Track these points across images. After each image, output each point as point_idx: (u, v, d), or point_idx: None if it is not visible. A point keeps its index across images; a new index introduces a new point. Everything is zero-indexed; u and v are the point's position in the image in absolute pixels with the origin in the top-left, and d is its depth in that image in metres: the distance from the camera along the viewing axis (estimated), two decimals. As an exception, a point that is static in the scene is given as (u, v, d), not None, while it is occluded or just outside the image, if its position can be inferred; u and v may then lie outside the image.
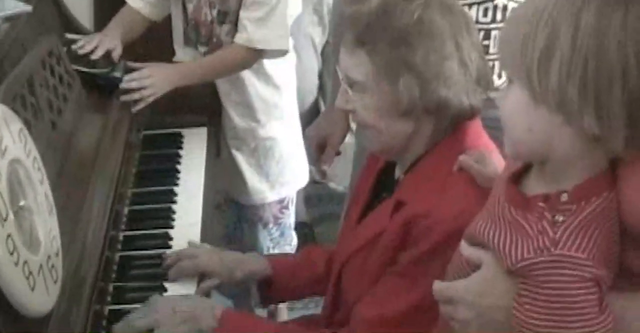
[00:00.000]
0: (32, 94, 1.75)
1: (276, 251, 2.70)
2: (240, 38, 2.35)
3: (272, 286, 1.88)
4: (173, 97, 2.30)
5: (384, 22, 1.52)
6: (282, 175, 2.61)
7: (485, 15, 2.04)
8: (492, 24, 2.05)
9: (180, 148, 2.38)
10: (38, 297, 1.38)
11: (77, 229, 1.65)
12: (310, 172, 2.78)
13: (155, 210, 2.08)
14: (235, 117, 2.51)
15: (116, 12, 2.47)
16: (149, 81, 2.24)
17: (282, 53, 2.43)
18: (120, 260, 1.86)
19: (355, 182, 2.02)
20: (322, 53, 3.48)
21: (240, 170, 2.56)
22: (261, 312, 2.78)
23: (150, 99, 2.24)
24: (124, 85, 2.22)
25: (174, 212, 2.07)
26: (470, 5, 1.99)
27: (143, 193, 2.13)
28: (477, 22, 1.97)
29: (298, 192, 2.78)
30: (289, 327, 1.89)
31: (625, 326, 1.21)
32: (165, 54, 2.55)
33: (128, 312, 1.69)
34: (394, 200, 1.58)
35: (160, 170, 2.26)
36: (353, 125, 1.66)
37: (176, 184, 2.19)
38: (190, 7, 2.42)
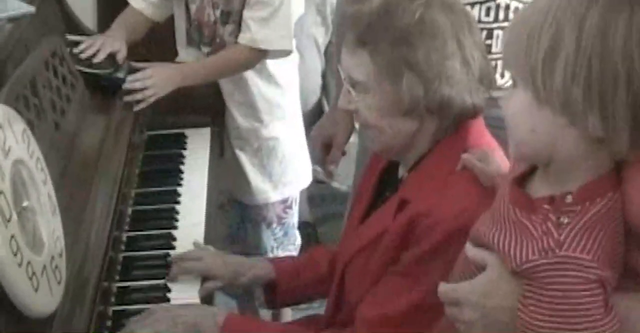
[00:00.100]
0: (35, 95, 1.76)
1: (280, 251, 2.70)
2: (243, 38, 2.35)
3: (277, 289, 1.88)
4: (176, 97, 2.30)
5: (386, 21, 1.52)
6: (285, 175, 2.61)
7: (487, 14, 2.03)
8: (495, 24, 2.04)
9: (184, 148, 2.38)
10: (41, 298, 1.38)
11: (80, 230, 1.65)
12: (314, 171, 2.78)
13: (158, 210, 2.08)
14: (238, 117, 2.51)
15: (119, 12, 2.47)
16: (151, 81, 2.25)
17: (286, 53, 2.43)
18: (124, 260, 1.86)
19: (358, 182, 2.02)
20: (325, 53, 3.48)
21: (243, 170, 2.56)
22: (265, 313, 2.78)
23: (152, 99, 2.24)
24: (127, 85, 2.22)
25: (177, 213, 2.07)
26: (472, 4, 1.99)
27: (146, 194, 2.13)
28: (480, 21, 1.97)
29: (301, 192, 2.78)
30: (292, 329, 1.89)
31: (630, 327, 1.21)
32: (167, 55, 2.55)
33: (132, 312, 1.70)
34: (398, 199, 1.58)
35: (163, 170, 2.26)
36: (357, 125, 1.65)
37: (179, 184, 2.19)
38: (193, 7, 2.42)
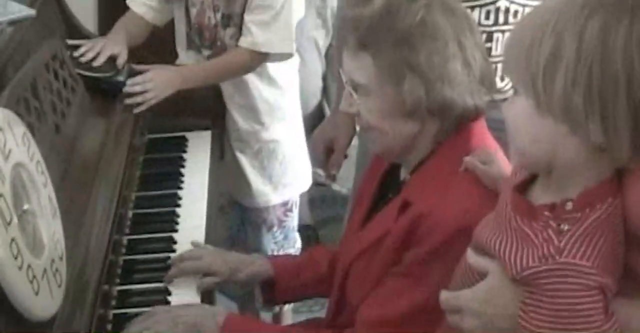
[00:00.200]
0: (35, 98, 1.76)
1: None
2: (244, 41, 2.35)
3: (275, 287, 1.88)
4: (176, 100, 2.30)
5: (387, 24, 1.52)
6: (285, 177, 2.61)
7: (487, 17, 2.04)
8: (494, 27, 2.04)
9: (184, 151, 2.38)
10: (42, 301, 1.38)
11: (80, 233, 1.65)
12: (314, 174, 2.78)
13: (159, 213, 2.08)
14: (239, 119, 2.51)
15: (120, 16, 2.47)
16: (152, 84, 2.25)
17: (287, 56, 2.44)
18: (124, 263, 1.86)
19: (358, 184, 2.02)
20: (326, 56, 3.48)
21: (244, 172, 2.57)
22: (266, 315, 2.78)
23: (153, 102, 2.25)
24: (127, 89, 2.23)
25: (178, 216, 2.07)
26: (472, 7, 1.99)
27: (147, 197, 2.13)
28: (480, 24, 1.97)
29: (302, 195, 2.78)
30: (293, 330, 1.89)
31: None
32: (168, 58, 2.55)
33: (132, 315, 1.70)
34: (400, 200, 1.58)
35: (164, 173, 2.26)
36: (358, 128, 1.66)
37: (180, 188, 2.19)
38: (193, 11, 2.42)
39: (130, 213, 2.02)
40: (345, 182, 3.22)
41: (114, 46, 2.29)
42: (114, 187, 1.89)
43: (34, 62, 1.84)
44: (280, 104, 2.54)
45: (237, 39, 2.37)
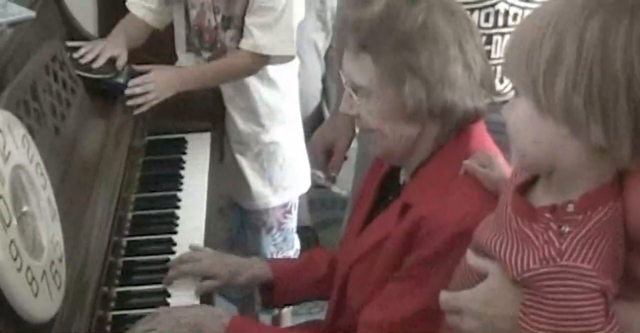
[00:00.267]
0: (35, 100, 1.76)
1: (279, 256, 2.70)
2: (245, 44, 2.35)
3: (274, 289, 1.88)
4: (176, 102, 2.30)
5: (388, 26, 1.52)
6: (285, 179, 2.61)
7: (486, 20, 2.04)
8: (494, 29, 2.05)
9: (184, 153, 2.38)
10: (41, 303, 1.38)
11: (80, 235, 1.65)
12: (314, 176, 2.78)
13: (158, 215, 2.08)
14: (239, 122, 2.51)
15: (120, 17, 2.47)
16: (153, 85, 2.25)
17: (289, 58, 2.44)
18: (124, 265, 1.86)
19: (357, 187, 2.02)
20: (326, 58, 3.49)
21: (243, 174, 2.57)
22: (265, 318, 2.78)
23: (154, 103, 2.25)
24: (128, 91, 2.23)
25: (177, 217, 2.07)
26: (471, 10, 1.99)
27: (146, 199, 2.13)
28: (479, 27, 1.97)
29: (301, 197, 2.78)
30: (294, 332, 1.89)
31: None
32: (167, 60, 2.56)
33: (131, 317, 1.70)
34: (401, 203, 1.58)
35: (163, 175, 2.26)
36: (358, 130, 1.66)
37: (180, 189, 2.19)
38: (193, 13, 2.42)
39: (129, 215, 2.02)
40: (344, 184, 3.22)
41: (113, 48, 2.30)
42: (114, 188, 1.89)
43: (33, 63, 1.84)
44: (280, 106, 2.54)
45: (238, 41, 2.37)
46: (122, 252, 1.89)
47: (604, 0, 1.15)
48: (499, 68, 2.04)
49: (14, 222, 1.36)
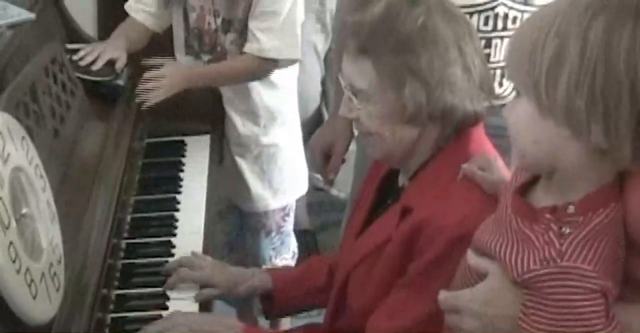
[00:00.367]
0: (34, 102, 1.76)
1: (277, 260, 2.70)
2: (250, 48, 2.34)
3: (274, 299, 1.88)
4: (176, 104, 2.30)
5: (388, 29, 1.52)
6: (284, 182, 2.61)
7: (486, 23, 2.04)
8: (493, 33, 2.05)
9: (183, 156, 2.38)
10: (40, 305, 1.38)
11: (79, 237, 1.65)
12: (313, 179, 2.78)
13: (157, 217, 2.08)
14: (239, 124, 2.51)
15: (120, 20, 2.47)
16: (165, 82, 2.26)
17: (293, 62, 2.44)
18: (123, 267, 1.86)
19: (356, 189, 2.02)
20: (325, 60, 3.49)
21: (243, 177, 2.56)
22: (264, 321, 2.78)
23: (161, 98, 2.25)
24: (140, 85, 2.23)
25: (176, 220, 2.07)
26: (471, 13, 1.99)
27: (146, 201, 2.13)
28: (478, 30, 1.97)
29: (300, 199, 2.78)
30: None
31: None
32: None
33: (130, 320, 1.70)
34: (401, 207, 1.58)
35: (163, 177, 2.26)
36: (357, 132, 1.66)
37: (179, 192, 2.19)
38: (193, 15, 2.42)
39: (128, 217, 2.02)
40: (343, 186, 3.22)
41: (113, 50, 2.30)
42: (113, 190, 1.88)
43: (33, 65, 1.84)
44: (280, 108, 2.54)
45: (238, 45, 2.37)
46: (121, 254, 1.89)
47: (608, 2, 1.15)
48: (498, 71, 2.04)
49: (13, 224, 1.36)
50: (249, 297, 1.94)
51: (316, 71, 3.45)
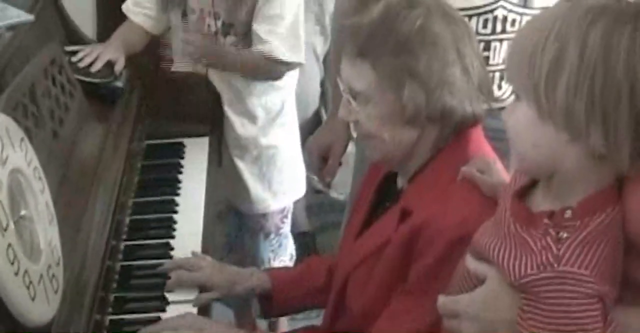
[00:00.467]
0: (33, 103, 1.76)
1: (275, 262, 2.70)
2: (257, 50, 2.36)
3: (273, 299, 1.88)
4: (175, 106, 2.31)
5: (386, 30, 1.53)
6: (284, 183, 2.61)
7: (485, 26, 2.04)
8: (492, 35, 2.05)
9: (182, 158, 2.38)
10: (38, 307, 1.37)
11: (78, 238, 1.65)
12: (312, 181, 2.78)
13: (156, 219, 2.07)
14: (238, 126, 2.52)
15: (119, 21, 2.48)
16: (203, 50, 2.37)
17: (298, 65, 2.44)
18: (121, 269, 1.86)
19: (356, 191, 2.02)
20: (324, 62, 3.49)
21: (242, 179, 2.57)
22: (262, 323, 2.78)
23: (189, 67, 2.37)
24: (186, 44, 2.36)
25: (175, 222, 2.06)
26: (470, 16, 1.99)
27: (144, 203, 2.13)
28: (477, 33, 1.97)
29: (299, 201, 2.78)
30: None
31: None
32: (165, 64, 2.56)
33: (129, 322, 1.70)
34: (400, 209, 1.58)
35: (161, 179, 2.26)
36: (354, 134, 1.66)
37: (177, 194, 2.19)
38: (192, 17, 2.42)
39: (127, 219, 2.02)
40: (342, 188, 3.22)
41: (111, 52, 2.30)
42: (112, 192, 1.88)
43: (32, 67, 1.84)
44: (279, 109, 2.55)
45: (237, 47, 2.37)
46: (120, 256, 1.89)
47: (608, 6, 1.15)
48: (497, 74, 2.05)
49: (12, 225, 1.36)
50: (248, 297, 1.94)
51: (315, 73, 3.45)
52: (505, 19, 2.04)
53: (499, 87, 2.06)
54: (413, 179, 1.62)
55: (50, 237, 1.49)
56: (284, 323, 2.83)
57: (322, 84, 3.52)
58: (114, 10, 2.56)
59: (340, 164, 2.34)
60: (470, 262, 1.33)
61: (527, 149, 1.23)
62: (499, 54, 2.05)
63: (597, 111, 1.14)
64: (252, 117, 2.51)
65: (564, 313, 1.18)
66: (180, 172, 2.30)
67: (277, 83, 2.50)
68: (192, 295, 1.81)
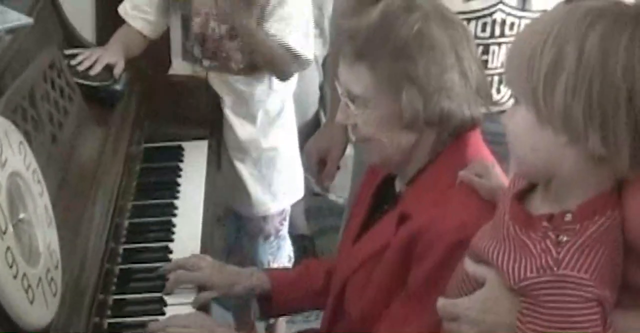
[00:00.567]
0: (33, 107, 1.76)
1: (275, 264, 2.70)
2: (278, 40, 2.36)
3: (272, 300, 1.88)
4: (174, 109, 2.31)
5: (384, 34, 1.53)
6: (283, 185, 2.61)
7: (483, 30, 2.04)
8: (491, 39, 2.05)
9: (181, 161, 2.38)
10: (37, 310, 1.37)
11: (77, 242, 1.65)
12: (311, 184, 2.78)
13: (155, 223, 2.07)
14: (238, 128, 2.51)
15: (118, 24, 2.48)
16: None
17: (307, 64, 2.46)
18: (120, 273, 1.86)
19: (354, 195, 2.02)
20: (323, 65, 3.49)
21: (243, 182, 2.57)
22: (260, 326, 2.78)
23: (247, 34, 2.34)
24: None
25: (174, 225, 2.06)
26: (468, 20, 1.99)
27: (143, 206, 2.13)
28: (476, 37, 1.97)
29: (298, 205, 2.78)
30: None
31: None
32: (164, 66, 2.56)
33: (127, 325, 1.70)
34: (398, 213, 1.58)
35: (160, 183, 2.26)
36: (353, 138, 1.66)
37: (176, 197, 2.19)
38: (197, 20, 2.41)
39: (126, 223, 2.02)
40: (341, 191, 3.22)
41: (111, 56, 2.30)
42: (111, 196, 1.88)
43: (31, 70, 1.84)
44: (279, 112, 2.55)
45: (244, 51, 2.38)
46: (119, 259, 1.89)
47: (606, 9, 1.16)
48: (496, 78, 2.05)
49: (10, 229, 1.36)
50: (248, 297, 1.93)
51: (314, 76, 3.45)
52: (503, 22, 2.04)
53: (498, 91, 2.07)
54: (411, 183, 1.62)
55: (49, 241, 1.49)
56: (282, 326, 2.83)
57: (321, 87, 3.52)
58: (113, 13, 2.56)
59: (338, 167, 2.34)
60: (469, 265, 1.33)
61: (526, 152, 1.23)
62: (498, 57, 2.05)
63: (595, 114, 1.14)
64: (252, 119, 2.51)
65: (563, 317, 1.18)
66: (179, 176, 2.30)
67: (277, 85, 2.50)
68: (190, 298, 1.81)
